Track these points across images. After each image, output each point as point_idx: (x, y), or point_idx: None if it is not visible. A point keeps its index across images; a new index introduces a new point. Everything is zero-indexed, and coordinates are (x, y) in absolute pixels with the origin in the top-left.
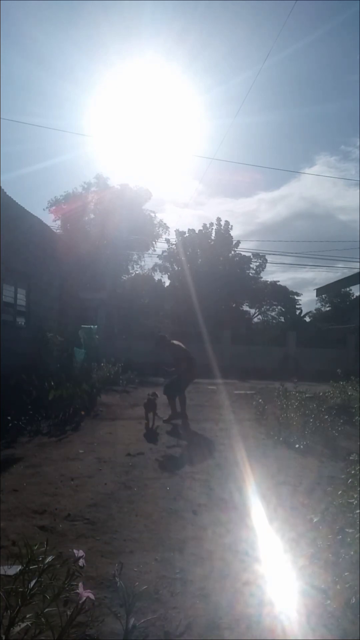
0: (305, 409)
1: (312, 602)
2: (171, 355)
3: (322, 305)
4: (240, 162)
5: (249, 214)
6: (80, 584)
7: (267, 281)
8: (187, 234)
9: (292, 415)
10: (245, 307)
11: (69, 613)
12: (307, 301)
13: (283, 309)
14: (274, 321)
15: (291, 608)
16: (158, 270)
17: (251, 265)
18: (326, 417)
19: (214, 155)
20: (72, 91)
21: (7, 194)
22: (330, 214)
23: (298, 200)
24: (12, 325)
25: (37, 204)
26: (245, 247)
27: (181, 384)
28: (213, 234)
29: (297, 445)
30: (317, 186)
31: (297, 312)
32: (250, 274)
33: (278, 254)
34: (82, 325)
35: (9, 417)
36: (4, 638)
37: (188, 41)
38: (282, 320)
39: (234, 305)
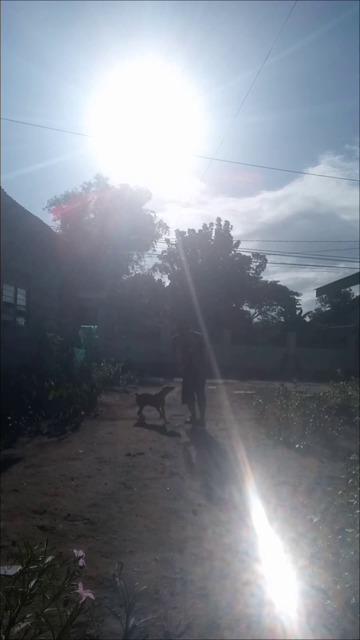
0: (305, 409)
1: (312, 602)
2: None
3: (322, 305)
4: (243, 163)
5: (252, 213)
6: (80, 584)
7: (267, 281)
8: (187, 234)
9: (292, 415)
10: (245, 307)
11: (69, 613)
12: (308, 301)
13: (283, 309)
14: (274, 321)
15: (291, 608)
16: (158, 270)
17: (251, 266)
18: (326, 417)
19: (215, 154)
20: (72, 91)
21: (7, 194)
22: (334, 214)
23: (301, 200)
24: (12, 325)
25: (37, 204)
26: (246, 247)
27: (183, 387)
28: (213, 234)
29: (297, 445)
30: (320, 185)
31: (297, 312)
32: (250, 274)
33: (279, 254)
34: (82, 325)
35: (9, 417)
36: (4, 638)
37: (188, 41)
38: (282, 320)
39: (234, 305)
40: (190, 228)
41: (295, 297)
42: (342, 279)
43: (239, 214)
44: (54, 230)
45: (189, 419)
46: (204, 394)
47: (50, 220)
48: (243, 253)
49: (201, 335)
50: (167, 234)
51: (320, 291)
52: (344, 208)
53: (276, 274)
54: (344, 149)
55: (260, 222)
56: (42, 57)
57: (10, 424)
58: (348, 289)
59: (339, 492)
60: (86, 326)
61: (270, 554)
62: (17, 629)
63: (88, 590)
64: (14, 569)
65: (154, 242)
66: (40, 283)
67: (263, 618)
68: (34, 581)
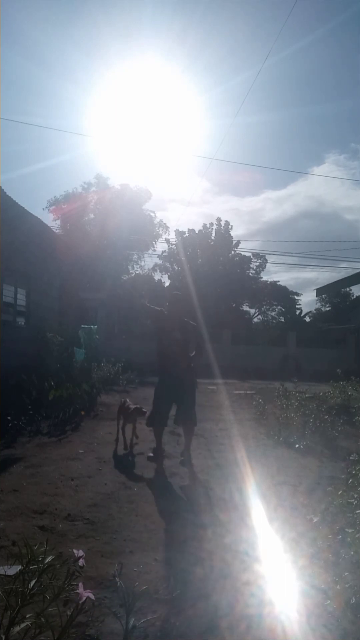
0: (305, 409)
1: (312, 602)
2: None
3: (322, 305)
4: (245, 163)
5: (255, 213)
6: (80, 584)
7: (267, 281)
8: (187, 234)
9: (292, 415)
10: (245, 307)
11: (69, 613)
12: (308, 301)
13: (283, 309)
14: (274, 321)
15: (291, 608)
16: (158, 270)
17: (251, 266)
18: (326, 417)
19: (215, 154)
20: (72, 91)
21: (7, 194)
22: (337, 213)
23: (304, 199)
24: (12, 325)
25: (37, 204)
26: (247, 247)
27: (154, 398)
28: (213, 234)
29: (297, 445)
30: (324, 185)
31: (297, 312)
32: (250, 274)
33: (280, 254)
34: (82, 325)
35: (9, 417)
36: (4, 638)
37: (188, 41)
38: (282, 320)
39: (234, 305)
40: (190, 228)
41: (295, 297)
42: (342, 279)
43: (242, 213)
44: (54, 230)
45: (151, 453)
46: (193, 412)
47: (50, 220)
48: (243, 253)
49: (196, 327)
50: (167, 234)
51: (320, 291)
52: (347, 208)
53: (277, 274)
54: (349, 148)
55: (263, 221)
56: (42, 57)
57: (10, 424)
58: (348, 289)
59: (339, 492)
60: (86, 326)
61: (270, 554)
62: (17, 629)
63: (88, 590)
64: (14, 569)
65: (154, 242)
66: (40, 283)
67: (263, 618)
68: (34, 581)
